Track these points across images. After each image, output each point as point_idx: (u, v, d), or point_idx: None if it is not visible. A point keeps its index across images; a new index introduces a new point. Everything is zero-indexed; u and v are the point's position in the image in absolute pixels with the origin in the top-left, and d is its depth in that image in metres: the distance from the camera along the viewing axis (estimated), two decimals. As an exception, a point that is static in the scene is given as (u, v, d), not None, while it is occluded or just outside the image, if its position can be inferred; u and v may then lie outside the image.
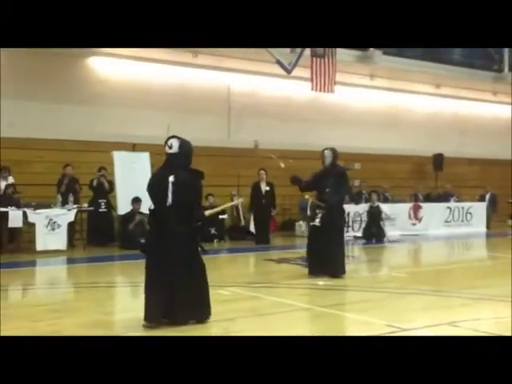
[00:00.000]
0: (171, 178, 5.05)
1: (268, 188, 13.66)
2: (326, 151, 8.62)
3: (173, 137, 5.29)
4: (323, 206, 8.24)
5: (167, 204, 5.03)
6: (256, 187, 13.72)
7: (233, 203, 7.00)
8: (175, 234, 5.09)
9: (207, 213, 5.87)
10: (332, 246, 8.23)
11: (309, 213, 9.05)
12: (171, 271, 5.11)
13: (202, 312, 5.44)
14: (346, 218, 11.26)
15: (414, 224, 16.00)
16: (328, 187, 8.28)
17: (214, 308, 6.08)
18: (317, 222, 8.28)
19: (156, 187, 5.20)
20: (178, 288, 5.17)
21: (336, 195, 8.30)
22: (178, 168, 5.16)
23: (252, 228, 14.06)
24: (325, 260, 8.22)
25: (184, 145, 5.31)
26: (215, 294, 7.16)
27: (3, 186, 11.77)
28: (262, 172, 13.70)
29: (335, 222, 8.36)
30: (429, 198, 17.31)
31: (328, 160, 8.53)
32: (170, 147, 5.23)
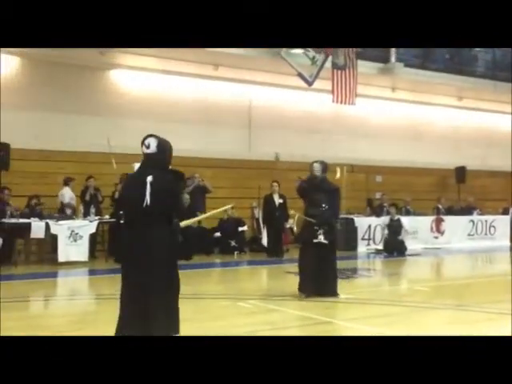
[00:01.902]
0: (149, 178, 4.64)
1: (281, 200, 13.54)
2: (315, 164, 8.06)
3: (150, 136, 4.82)
4: (320, 223, 7.78)
5: (144, 205, 4.59)
6: (269, 200, 13.63)
7: (220, 210, 6.64)
8: (151, 238, 4.63)
9: (193, 220, 5.58)
10: (334, 265, 7.97)
11: (295, 229, 8.65)
12: (144, 283, 4.63)
13: (169, 328, 4.79)
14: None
15: (436, 237, 15.84)
16: (323, 203, 7.86)
17: (237, 321, 6.06)
18: (322, 238, 7.79)
19: (132, 188, 4.79)
20: (150, 303, 4.65)
21: (333, 212, 7.95)
22: (156, 168, 4.73)
23: (265, 241, 13.96)
24: (327, 279, 7.83)
25: (162, 144, 4.82)
26: (236, 307, 7.15)
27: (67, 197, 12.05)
28: (275, 184, 13.65)
29: (335, 240, 8.10)
30: (451, 211, 17.13)
31: (317, 174, 8.00)
32: (148, 147, 4.77)
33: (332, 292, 7.79)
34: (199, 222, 13.59)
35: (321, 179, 8.01)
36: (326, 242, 7.78)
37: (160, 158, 4.78)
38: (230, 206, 8.67)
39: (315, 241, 7.80)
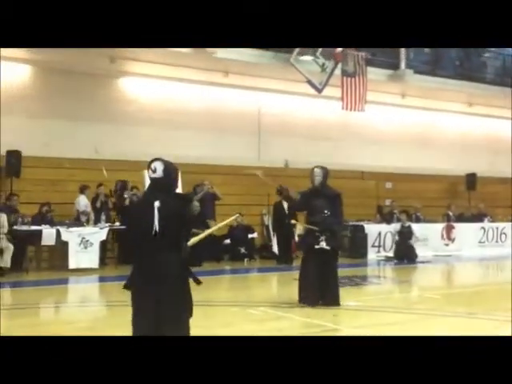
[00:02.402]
0: (157, 204, 4.58)
1: None
2: (316, 169, 7.88)
3: (156, 159, 4.74)
4: (322, 229, 7.62)
5: (153, 232, 4.53)
6: (278, 207, 13.60)
7: (226, 222, 6.50)
8: (161, 264, 4.56)
9: (200, 237, 5.32)
10: (335, 272, 7.79)
11: (297, 238, 8.42)
12: (158, 313, 4.55)
13: None
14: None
15: (446, 244, 15.77)
16: (324, 209, 7.67)
17: (246, 328, 6.06)
18: (324, 245, 7.61)
19: (140, 214, 4.72)
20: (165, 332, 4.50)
21: (335, 218, 7.75)
22: (163, 193, 4.67)
23: (275, 248, 13.93)
24: (328, 286, 7.66)
25: (168, 168, 4.74)
26: (245, 314, 7.15)
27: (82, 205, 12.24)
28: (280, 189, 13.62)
29: (338, 247, 7.95)
30: (462, 218, 17.06)
31: (318, 179, 7.81)
32: (154, 171, 4.69)
33: (333, 301, 7.60)
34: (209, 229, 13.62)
35: (321, 185, 7.84)
36: (327, 248, 7.62)
37: (167, 183, 4.72)
38: (235, 216, 8.52)
39: (317, 247, 7.64)
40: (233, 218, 6.65)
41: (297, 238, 8.25)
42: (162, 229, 4.56)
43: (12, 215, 11.32)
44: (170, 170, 4.76)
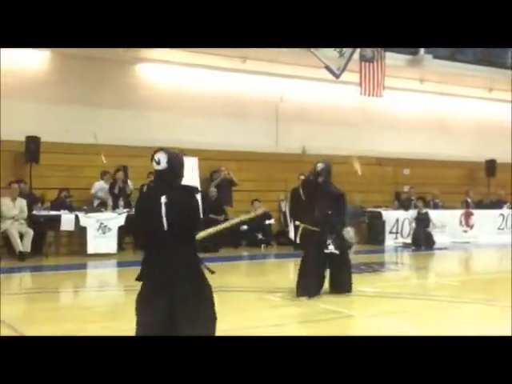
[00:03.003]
0: (163, 199, 4.43)
1: None
2: (319, 164, 7.60)
3: (159, 150, 4.55)
4: (328, 231, 7.44)
5: (162, 227, 4.41)
6: (295, 193, 13.53)
7: (248, 217, 6.39)
8: (172, 259, 4.44)
9: (210, 231, 5.32)
10: (344, 259, 7.61)
11: (298, 241, 8.07)
12: (171, 310, 4.43)
13: None
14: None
15: (465, 231, 15.66)
16: (327, 208, 7.45)
17: (262, 313, 6.08)
18: (333, 249, 7.38)
19: (148, 209, 4.56)
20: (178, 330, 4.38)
21: (339, 219, 7.55)
22: (168, 186, 4.50)
23: (292, 234, 13.90)
24: (338, 274, 7.55)
25: (173, 159, 4.54)
26: (262, 300, 7.18)
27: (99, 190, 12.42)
28: (302, 177, 13.59)
29: (346, 246, 7.68)
30: (481, 205, 16.90)
31: (322, 175, 7.55)
32: (158, 163, 4.51)
33: (342, 288, 7.52)
34: (225, 216, 13.66)
35: (324, 182, 7.56)
36: (337, 252, 7.40)
37: (171, 174, 4.53)
38: (260, 211, 8.27)
39: (326, 251, 7.41)
40: (238, 219, 6.55)
41: (298, 240, 7.94)
42: (171, 225, 4.42)
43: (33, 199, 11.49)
44: (174, 161, 4.56)
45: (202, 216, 4.91)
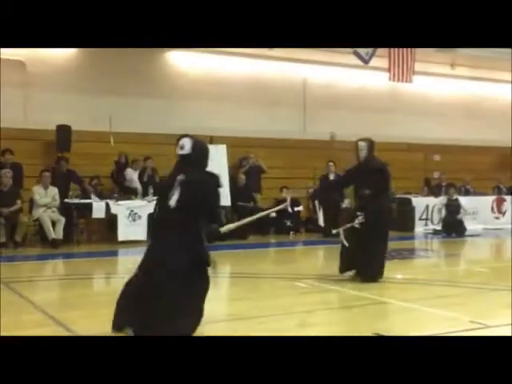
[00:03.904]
0: (180, 177, 4.41)
1: None
2: (360, 143, 7.47)
3: (184, 136, 4.58)
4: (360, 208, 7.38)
5: (170, 204, 4.37)
6: (325, 180, 13.52)
7: (277, 208, 6.37)
8: (173, 239, 4.38)
9: (237, 224, 5.27)
10: (371, 247, 7.31)
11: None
12: (156, 281, 4.42)
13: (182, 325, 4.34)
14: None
15: (497, 218, 15.45)
16: (365, 187, 7.33)
17: (291, 300, 6.08)
18: (356, 222, 7.30)
19: (164, 189, 4.58)
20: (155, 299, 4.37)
21: (374, 194, 7.33)
22: (189, 169, 4.48)
23: (321, 221, 13.85)
24: (363, 260, 7.33)
25: (198, 145, 4.58)
26: (292, 287, 7.19)
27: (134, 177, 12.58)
28: (331, 164, 13.52)
29: (375, 224, 7.31)
30: (513, 191, 16.65)
31: (363, 153, 7.39)
32: (182, 148, 4.52)
33: (365, 275, 7.31)
34: (255, 202, 13.68)
35: (366, 159, 7.42)
36: (357, 225, 7.28)
37: (195, 159, 4.52)
38: (288, 200, 8.24)
39: (348, 225, 7.39)
40: (265, 213, 6.56)
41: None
42: (181, 205, 4.35)
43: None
44: (199, 147, 4.60)
45: (219, 204, 4.81)
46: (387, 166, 7.74)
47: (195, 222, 4.43)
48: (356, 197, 7.70)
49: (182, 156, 4.54)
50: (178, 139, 4.56)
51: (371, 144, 7.49)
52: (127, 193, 12.30)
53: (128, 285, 4.69)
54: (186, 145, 4.53)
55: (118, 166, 12.83)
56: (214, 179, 4.56)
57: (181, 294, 4.34)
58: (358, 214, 7.35)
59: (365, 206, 7.36)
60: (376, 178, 7.39)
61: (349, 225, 7.41)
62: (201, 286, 4.51)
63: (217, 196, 4.56)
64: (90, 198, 11.66)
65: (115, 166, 12.84)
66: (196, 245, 4.43)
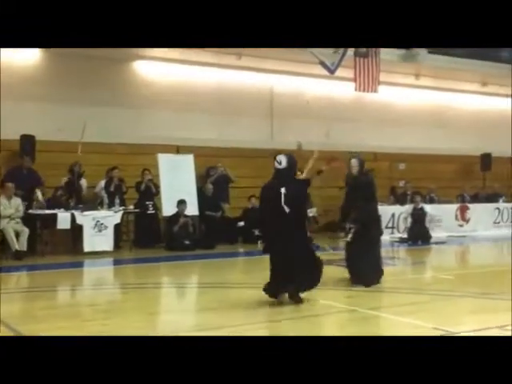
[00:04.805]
0: (283, 190, 5.95)
1: None
2: (352, 160, 8.29)
3: (281, 154, 6.20)
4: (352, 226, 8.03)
5: (284, 213, 5.93)
6: None
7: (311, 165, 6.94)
8: (292, 238, 6.08)
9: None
10: (362, 252, 7.92)
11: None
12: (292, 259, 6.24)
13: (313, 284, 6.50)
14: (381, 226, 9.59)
15: (461, 225, 15.69)
16: (357, 201, 8.05)
17: (260, 309, 6.07)
18: (348, 238, 8.05)
19: (270, 200, 6.08)
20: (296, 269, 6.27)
21: (363, 211, 8.00)
22: (287, 180, 6.07)
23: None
24: (355, 266, 7.96)
25: (291, 160, 6.19)
26: (260, 296, 7.18)
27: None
28: (298, 173, 13.55)
29: (363, 236, 7.94)
30: (476, 199, 16.94)
31: (355, 170, 8.18)
32: (280, 163, 6.14)
33: (357, 280, 7.81)
34: (223, 211, 13.66)
35: (357, 175, 8.16)
36: (348, 239, 8.01)
37: (289, 172, 6.21)
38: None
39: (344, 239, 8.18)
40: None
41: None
42: (289, 209, 5.91)
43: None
44: (292, 161, 6.23)
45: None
46: (373, 175, 8.79)
47: (302, 221, 6.27)
48: (346, 209, 8.36)
49: (280, 170, 6.20)
50: (276, 156, 6.20)
51: (362, 162, 8.33)
52: (82, 203, 12.08)
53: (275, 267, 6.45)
54: (283, 161, 6.18)
55: (71, 175, 12.45)
56: (305, 185, 6.35)
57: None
58: (350, 226, 7.98)
59: (355, 217, 7.97)
60: (365, 192, 8.16)
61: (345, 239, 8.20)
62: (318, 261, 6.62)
63: (307, 199, 6.93)
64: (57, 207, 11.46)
65: (69, 176, 12.47)
66: (305, 236, 6.43)
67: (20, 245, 10.75)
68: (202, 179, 13.75)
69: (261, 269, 10.74)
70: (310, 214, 13.77)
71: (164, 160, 12.98)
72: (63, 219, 11.29)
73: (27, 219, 11.18)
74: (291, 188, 5.97)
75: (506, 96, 18.96)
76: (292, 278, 6.28)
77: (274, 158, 6.08)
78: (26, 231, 10.89)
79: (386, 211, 14.87)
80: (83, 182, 12.53)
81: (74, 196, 12.00)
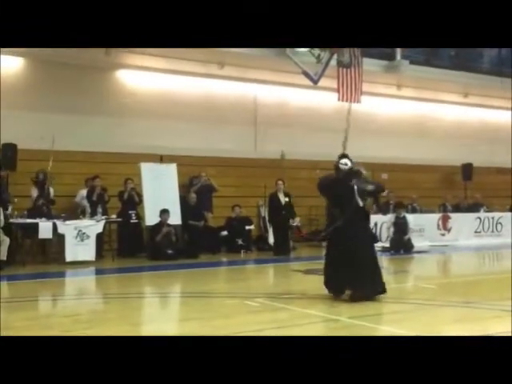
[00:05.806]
0: (353, 183, 7.32)
1: (287, 199, 13.47)
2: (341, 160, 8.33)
3: (344, 156, 7.55)
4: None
5: (356, 204, 7.31)
6: (274, 198, 13.58)
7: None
8: (356, 229, 7.30)
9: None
10: (357, 261, 7.62)
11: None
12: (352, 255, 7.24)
13: (375, 289, 7.39)
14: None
15: (442, 234, 15.81)
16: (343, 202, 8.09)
17: (242, 319, 6.06)
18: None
19: (340, 194, 7.38)
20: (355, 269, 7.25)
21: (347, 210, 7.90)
22: (352, 177, 7.38)
23: (271, 239, 13.94)
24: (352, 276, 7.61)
25: (352, 161, 7.51)
26: (243, 305, 7.17)
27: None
28: (280, 182, 13.60)
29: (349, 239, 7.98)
30: (458, 209, 17.10)
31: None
32: (345, 164, 7.43)
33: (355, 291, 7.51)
34: (206, 221, 13.64)
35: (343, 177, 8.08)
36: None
37: (354, 171, 7.49)
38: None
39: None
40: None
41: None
42: (357, 202, 7.29)
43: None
44: (352, 162, 7.51)
45: None
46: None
47: (366, 216, 7.74)
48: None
49: (347, 169, 7.46)
50: (339, 159, 7.56)
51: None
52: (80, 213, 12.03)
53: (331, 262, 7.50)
54: (348, 162, 7.49)
55: (36, 183, 12.26)
56: (368, 182, 7.79)
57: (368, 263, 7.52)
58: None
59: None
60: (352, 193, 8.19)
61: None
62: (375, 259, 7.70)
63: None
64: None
65: (34, 184, 12.16)
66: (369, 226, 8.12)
67: (0, 254, 10.63)
68: (185, 188, 13.73)
69: (244, 278, 10.79)
70: (294, 224, 13.87)
71: (147, 169, 12.94)
72: (45, 228, 11.19)
73: (8, 228, 11.07)
74: (360, 184, 7.40)
75: (488, 107, 19.23)
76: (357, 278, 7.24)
77: (339, 161, 7.40)
78: (6, 240, 10.78)
79: (368, 220, 14.97)
80: (51, 191, 12.25)
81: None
